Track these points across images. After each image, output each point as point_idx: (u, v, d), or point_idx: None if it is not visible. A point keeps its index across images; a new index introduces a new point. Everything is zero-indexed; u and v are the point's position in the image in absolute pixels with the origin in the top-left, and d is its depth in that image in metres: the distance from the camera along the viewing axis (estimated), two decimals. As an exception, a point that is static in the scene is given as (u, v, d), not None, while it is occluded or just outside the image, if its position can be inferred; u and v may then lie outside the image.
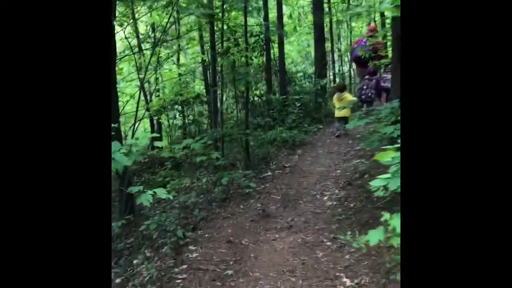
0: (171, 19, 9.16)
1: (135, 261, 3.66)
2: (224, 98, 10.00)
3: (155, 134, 6.25)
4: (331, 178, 5.49)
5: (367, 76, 8.93)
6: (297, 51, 14.73)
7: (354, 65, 10.73)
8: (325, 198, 4.83)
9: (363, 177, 5.14)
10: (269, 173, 5.95)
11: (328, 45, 11.65)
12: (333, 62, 10.87)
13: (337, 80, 11.44)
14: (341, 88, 8.16)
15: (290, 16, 12.07)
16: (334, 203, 4.61)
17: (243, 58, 8.44)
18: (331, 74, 11.47)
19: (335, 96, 8.06)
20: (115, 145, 2.09)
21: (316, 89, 9.38)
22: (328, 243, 3.63)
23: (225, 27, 7.97)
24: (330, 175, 5.65)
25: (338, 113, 7.82)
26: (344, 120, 7.77)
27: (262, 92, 9.88)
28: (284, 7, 11.97)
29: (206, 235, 3.96)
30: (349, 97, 8.03)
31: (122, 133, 6.61)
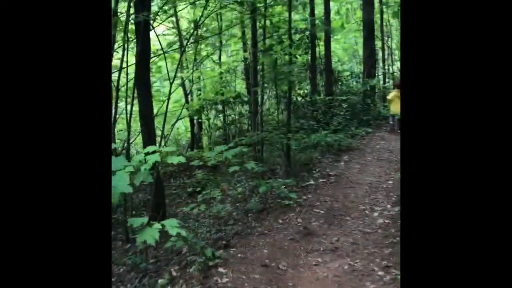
0: (213, 15, 8.84)
1: (160, 281, 3.29)
2: (265, 98, 9.56)
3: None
4: (382, 190, 4.89)
5: None
6: (344, 49, 14.02)
7: None
8: (376, 214, 4.25)
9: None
10: (312, 182, 5.43)
11: (377, 43, 10.91)
12: (383, 61, 10.11)
13: (389, 80, 10.69)
14: (399, 85, 7.94)
15: (338, 12, 11.42)
16: (387, 221, 4.03)
17: (286, 56, 7.97)
18: (380, 73, 10.72)
19: (394, 93, 7.85)
20: (118, 161, 1.65)
21: (364, 89, 8.71)
22: (380, 273, 3.08)
23: (268, 23, 7.52)
24: (380, 186, 5.05)
25: (394, 109, 7.75)
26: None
27: (306, 92, 9.35)
28: (331, 3, 11.36)
29: (239, 255, 3.52)
30: None
31: (158, 134, 6.33)
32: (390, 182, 5.13)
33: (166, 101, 4.94)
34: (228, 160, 4.36)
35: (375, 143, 7.15)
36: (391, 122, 8.10)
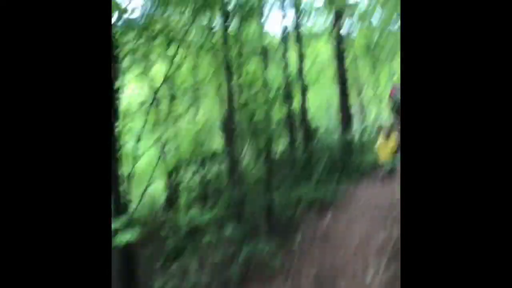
0: (187, 70, 8.74)
1: None
2: (243, 155, 9.30)
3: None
4: (373, 249, 4.52)
5: None
6: (318, 105, 14.16)
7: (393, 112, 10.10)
8: (369, 276, 3.85)
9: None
10: (297, 243, 5.02)
11: (352, 96, 11.04)
12: (360, 114, 10.16)
13: (366, 134, 10.69)
14: (388, 132, 8.27)
15: (311, 69, 11.60)
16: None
17: (263, 114, 7.84)
18: (357, 127, 10.73)
19: (381, 141, 8.13)
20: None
21: (343, 144, 8.58)
22: None
23: (243, 77, 7.44)
24: (371, 243, 4.68)
25: (383, 157, 8.05)
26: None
27: (284, 147, 9.15)
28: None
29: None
30: (393, 140, 8.16)
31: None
32: (379, 242, 4.78)
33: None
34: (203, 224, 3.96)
35: (357, 198, 6.86)
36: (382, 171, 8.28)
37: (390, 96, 8.86)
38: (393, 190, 7.19)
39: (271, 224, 5.70)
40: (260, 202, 5.74)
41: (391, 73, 12.38)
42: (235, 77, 6.66)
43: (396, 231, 4.92)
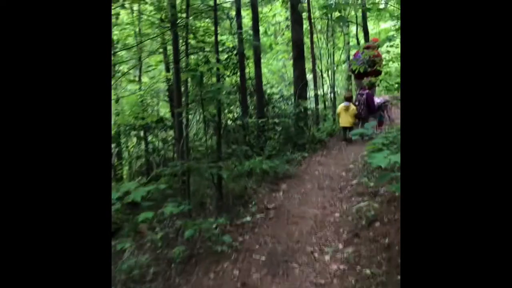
0: (129, 30, 7.89)
1: None
2: (192, 122, 8.70)
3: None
4: (330, 225, 4.21)
5: (360, 91, 8.43)
6: (272, 71, 13.68)
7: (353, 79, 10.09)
8: (327, 257, 3.53)
9: (373, 225, 3.89)
10: (248, 219, 4.62)
11: (308, 65, 10.63)
12: (315, 83, 9.77)
13: (320, 102, 10.39)
14: (348, 98, 8.41)
15: (265, 33, 11.00)
16: (342, 266, 3.32)
17: (214, 78, 7.22)
18: (312, 95, 10.39)
19: (341, 106, 8.36)
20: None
21: (298, 112, 8.20)
22: None
23: (191, 37, 6.75)
24: (327, 220, 4.38)
25: (343, 123, 8.33)
26: (349, 129, 8.21)
27: (236, 115, 8.65)
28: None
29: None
30: (352, 107, 8.32)
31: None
32: (337, 215, 4.49)
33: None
34: (144, 198, 3.42)
35: (313, 169, 6.56)
36: (341, 134, 8.64)
37: (354, 57, 8.63)
38: (348, 158, 6.99)
39: (221, 197, 5.24)
40: (208, 174, 5.25)
41: (348, 39, 12.07)
42: (181, 37, 5.97)
43: (354, 203, 4.66)
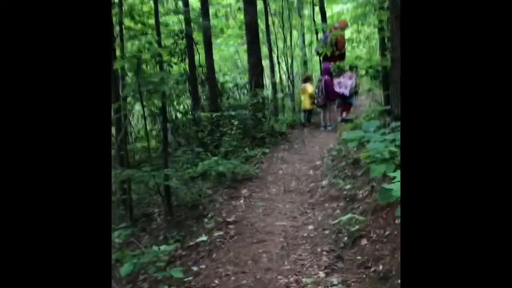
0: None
1: None
2: (135, 119, 7.65)
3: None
4: (304, 243, 3.46)
5: (324, 77, 7.84)
6: (225, 58, 12.74)
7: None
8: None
9: (359, 244, 3.18)
10: (204, 238, 3.75)
11: (264, 49, 9.79)
12: (272, 69, 8.96)
13: (278, 90, 9.64)
14: (306, 79, 8.28)
15: (216, 15, 10.02)
16: (328, 307, 2.57)
17: (157, 67, 6.22)
18: (269, 83, 9.60)
19: (300, 87, 8.29)
20: None
21: (255, 102, 7.38)
22: None
23: (128, 21, 5.71)
24: (299, 235, 3.62)
25: (303, 105, 8.14)
26: (308, 112, 8.10)
27: (186, 108, 7.70)
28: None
29: None
30: (309, 89, 8.08)
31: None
32: (311, 227, 3.75)
33: None
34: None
35: (276, 168, 5.79)
36: (302, 119, 8.37)
37: (322, 40, 8.06)
38: (313, 153, 6.31)
39: (171, 209, 4.35)
40: (153, 184, 4.33)
41: (303, 23, 11.35)
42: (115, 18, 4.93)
43: (329, 210, 3.94)
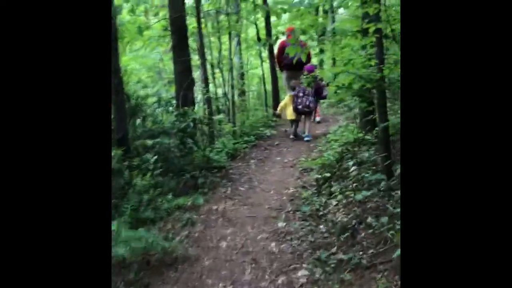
0: None
1: None
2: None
3: None
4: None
5: (296, 86, 7.17)
6: (147, 66, 10.45)
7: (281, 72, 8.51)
8: None
9: None
10: None
11: (194, 56, 7.68)
12: (205, 81, 6.85)
13: (214, 106, 7.57)
14: (294, 87, 7.32)
15: (132, 11, 7.74)
16: None
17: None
18: (202, 97, 7.49)
19: (287, 97, 7.48)
20: None
21: (184, 127, 5.26)
22: None
23: None
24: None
25: (289, 115, 7.30)
26: (296, 122, 7.23)
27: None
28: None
29: None
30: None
31: None
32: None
33: None
34: None
35: (216, 236, 3.68)
36: (286, 130, 7.72)
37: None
38: (271, 201, 4.30)
39: None
40: None
41: (240, 29, 9.44)
42: None
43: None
